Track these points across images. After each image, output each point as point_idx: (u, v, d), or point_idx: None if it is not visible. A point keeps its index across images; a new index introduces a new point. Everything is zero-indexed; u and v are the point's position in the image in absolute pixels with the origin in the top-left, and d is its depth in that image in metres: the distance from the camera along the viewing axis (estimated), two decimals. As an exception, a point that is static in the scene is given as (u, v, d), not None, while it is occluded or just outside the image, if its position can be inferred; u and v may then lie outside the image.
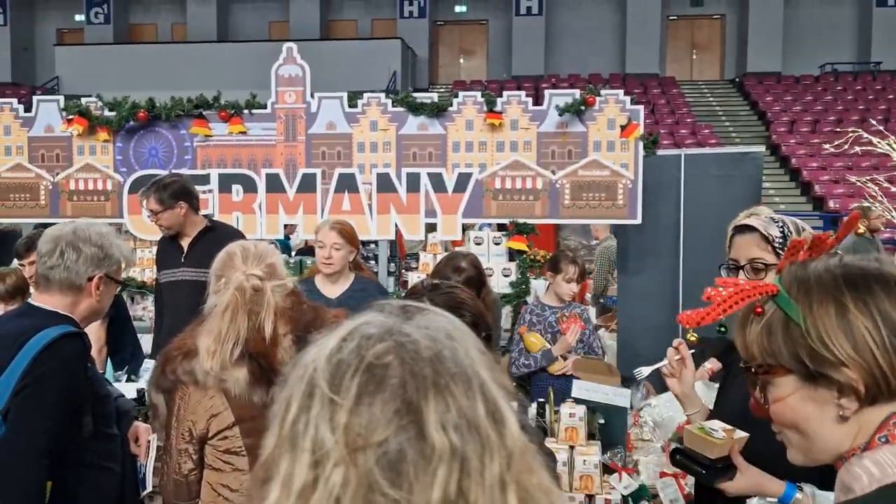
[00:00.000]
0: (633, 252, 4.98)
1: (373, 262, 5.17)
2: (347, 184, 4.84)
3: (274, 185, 4.88)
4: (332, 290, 3.47)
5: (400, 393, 0.69)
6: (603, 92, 4.66)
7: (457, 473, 0.68)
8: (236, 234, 4.00)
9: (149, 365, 3.62)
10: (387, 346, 0.71)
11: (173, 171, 4.96)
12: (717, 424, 1.61)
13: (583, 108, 4.61)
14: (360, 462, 0.67)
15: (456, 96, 4.78)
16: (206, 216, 4.02)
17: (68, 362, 2.02)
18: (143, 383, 3.44)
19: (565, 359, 3.79)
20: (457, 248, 4.53)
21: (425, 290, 1.83)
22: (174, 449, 1.97)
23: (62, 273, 2.13)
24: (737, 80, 21.08)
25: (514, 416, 0.73)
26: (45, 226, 5.73)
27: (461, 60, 23.65)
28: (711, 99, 20.32)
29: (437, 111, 4.74)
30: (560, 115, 4.60)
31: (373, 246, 5.09)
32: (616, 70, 21.49)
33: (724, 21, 22.79)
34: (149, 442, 2.37)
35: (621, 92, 4.68)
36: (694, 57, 22.92)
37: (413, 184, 4.81)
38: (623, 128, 4.60)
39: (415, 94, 4.77)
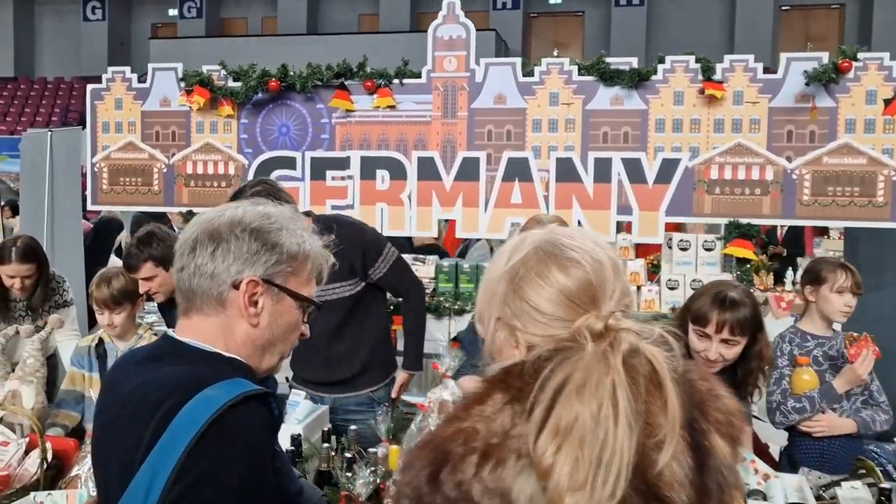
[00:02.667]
0: (869, 263, 3.89)
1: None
2: (519, 170, 3.91)
3: (427, 170, 3.99)
4: None
5: None
6: (860, 55, 3.59)
7: None
8: (355, 231, 3.10)
9: (296, 399, 2.77)
10: None
11: (307, 151, 4.15)
12: None
13: (834, 76, 3.55)
14: None
15: (662, 61, 3.78)
16: (307, 212, 3.13)
17: (251, 448, 1.14)
18: (293, 423, 2.59)
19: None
20: (720, 280, 3.22)
21: None
22: None
23: (206, 282, 1.28)
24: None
25: None
26: (152, 216, 5.02)
27: (555, 53, 22.55)
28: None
29: (637, 81, 3.76)
30: (807, 84, 3.55)
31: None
32: (725, 64, 20.00)
33: (843, 11, 21.11)
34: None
35: (887, 55, 3.59)
36: (809, 49, 21.20)
37: (602, 172, 3.84)
38: (888, 102, 3.52)
39: (608, 60, 3.80)
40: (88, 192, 4.39)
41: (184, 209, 4.29)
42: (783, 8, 21.09)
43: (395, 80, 4.03)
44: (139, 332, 3.09)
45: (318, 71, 4.04)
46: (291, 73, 4.07)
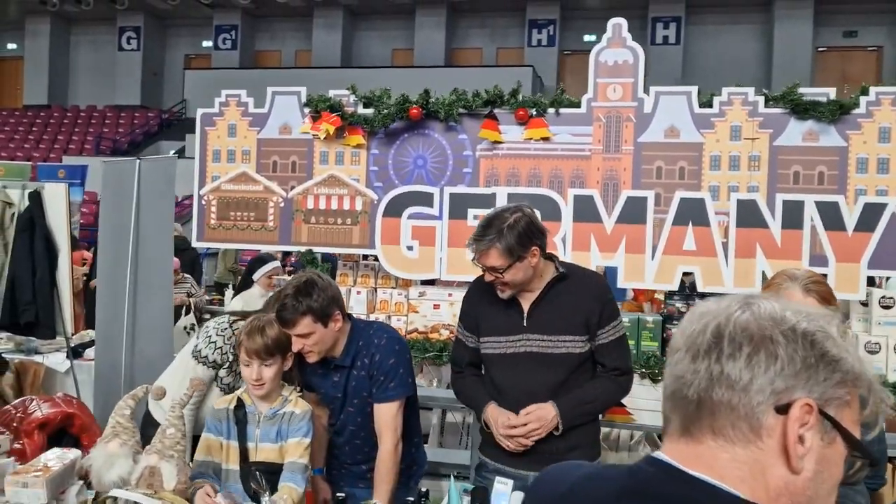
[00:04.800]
0: None
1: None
2: (693, 213, 3.45)
3: (585, 211, 3.53)
4: None
5: None
6: None
7: None
8: (599, 281, 2.66)
9: (503, 489, 2.28)
10: None
11: (446, 187, 3.70)
12: None
13: None
14: None
15: (865, 93, 3.34)
16: (549, 255, 2.66)
17: None
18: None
19: None
20: None
21: None
22: None
23: (734, 397, 0.84)
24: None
25: None
26: (262, 262, 4.51)
27: (588, 91, 22.39)
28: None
29: (837, 114, 3.32)
30: None
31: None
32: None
33: (881, 53, 20.93)
34: None
35: None
36: (846, 91, 20.93)
37: (793, 216, 3.37)
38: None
39: (802, 90, 3.37)
40: (194, 228, 3.94)
41: (302, 248, 3.84)
42: (820, 49, 20.91)
43: (551, 110, 3.60)
44: (284, 394, 2.63)
45: (463, 98, 3.62)
46: (433, 100, 3.64)
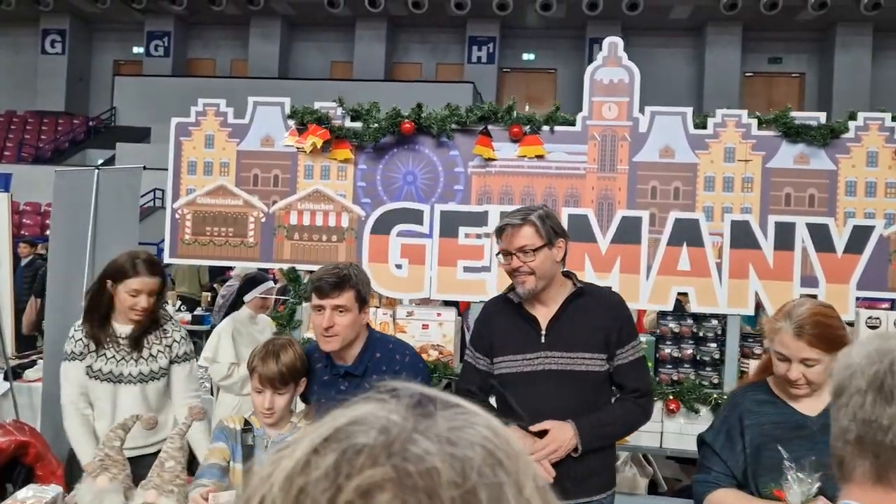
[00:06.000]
0: None
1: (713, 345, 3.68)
2: (687, 234, 3.45)
3: (580, 230, 3.48)
4: None
5: None
6: None
7: None
8: (617, 300, 2.61)
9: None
10: (382, 472, 0.41)
11: (436, 204, 3.60)
12: None
13: None
14: None
15: (853, 118, 3.42)
16: (567, 273, 2.60)
17: None
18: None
19: None
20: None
21: None
22: None
23: None
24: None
25: None
26: (254, 282, 4.25)
27: (527, 108, 22.67)
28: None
29: (827, 137, 3.38)
30: None
31: (714, 323, 3.64)
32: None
33: (803, 80, 22.07)
34: None
35: None
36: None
37: (784, 238, 3.41)
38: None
39: (794, 114, 3.42)
40: (166, 243, 3.70)
41: (285, 266, 3.65)
42: (747, 74, 21.84)
43: (545, 127, 3.55)
44: (293, 420, 2.48)
45: (456, 113, 3.52)
46: (425, 115, 3.53)
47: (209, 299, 11.02)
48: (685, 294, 3.49)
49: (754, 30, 20.50)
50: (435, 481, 0.41)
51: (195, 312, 9.47)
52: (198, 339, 9.28)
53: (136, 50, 21.42)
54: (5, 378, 4.91)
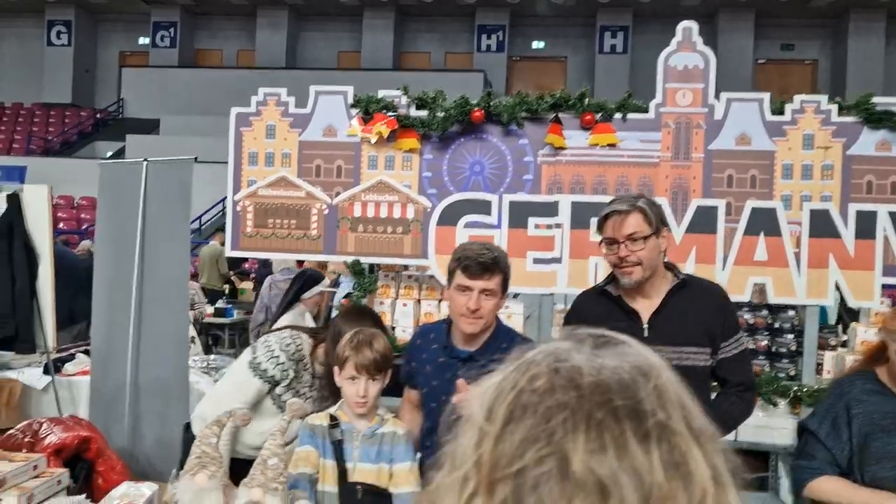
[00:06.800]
0: None
1: (790, 335, 3.62)
2: (765, 223, 3.37)
3: (654, 220, 3.39)
4: None
5: (543, 422, 0.59)
6: None
7: None
8: (720, 292, 2.53)
9: None
10: (542, 369, 0.63)
11: (505, 194, 3.51)
12: None
13: None
14: (497, 493, 0.58)
15: (936, 103, 3.33)
16: (669, 264, 2.51)
17: None
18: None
19: None
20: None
21: None
22: None
23: None
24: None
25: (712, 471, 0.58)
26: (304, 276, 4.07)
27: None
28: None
29: (909, 124, 3.30)
30: None
31: (791, 314, 3.56)
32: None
33: (816, 67, 21.90)
34: None
35: None
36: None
37: (866, 227, 3.33)
38: None
39: (875, 100, 3.33)
40: (228, 236, 3.61)
41: (349, 258, 3.56)
42: (759, 61, 21.68)
43: (618, 115, 3.45)
44: (379, 413, 2.41)
45: (526, 101, 3.43)
46: (494, 103, 3.44)
47: (227, 291, 10.95)
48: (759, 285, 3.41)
49: (767, 16, 20.32)
50: (575, 373, 0.61)
51: (217, 305, 9.38)
52: (219, 331, 9.22)
53: (142, 41, 21.26)
54: (46, 371, 4.85)
